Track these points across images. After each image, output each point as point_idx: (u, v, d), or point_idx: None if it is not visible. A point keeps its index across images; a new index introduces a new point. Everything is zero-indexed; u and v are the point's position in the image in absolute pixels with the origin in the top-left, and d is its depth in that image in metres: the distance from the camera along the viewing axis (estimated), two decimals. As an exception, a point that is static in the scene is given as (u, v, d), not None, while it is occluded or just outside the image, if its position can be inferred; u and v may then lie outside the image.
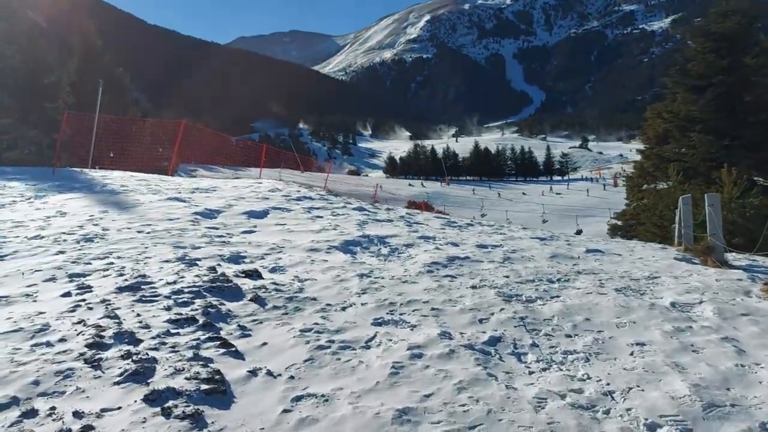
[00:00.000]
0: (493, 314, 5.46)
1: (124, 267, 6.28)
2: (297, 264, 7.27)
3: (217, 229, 8.86)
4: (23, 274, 5.96)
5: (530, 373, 4.24)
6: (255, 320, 5.08)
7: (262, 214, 10.25)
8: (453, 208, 51.39)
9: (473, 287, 6.44)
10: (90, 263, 6.43)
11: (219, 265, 6.75)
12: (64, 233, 7.81)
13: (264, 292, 5.82)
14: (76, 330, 4.46)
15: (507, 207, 64.64)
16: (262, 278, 6.39)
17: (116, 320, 4.69)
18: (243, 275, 6.36)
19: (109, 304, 5.07)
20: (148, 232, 8.08)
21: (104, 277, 5.94)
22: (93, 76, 30.67)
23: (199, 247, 7.53)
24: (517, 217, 48.93)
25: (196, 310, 5.09)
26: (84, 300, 5.17)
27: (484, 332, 4.95)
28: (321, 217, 10.68)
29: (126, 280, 5.82)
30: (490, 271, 7.39)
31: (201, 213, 9.68)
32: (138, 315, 4.85)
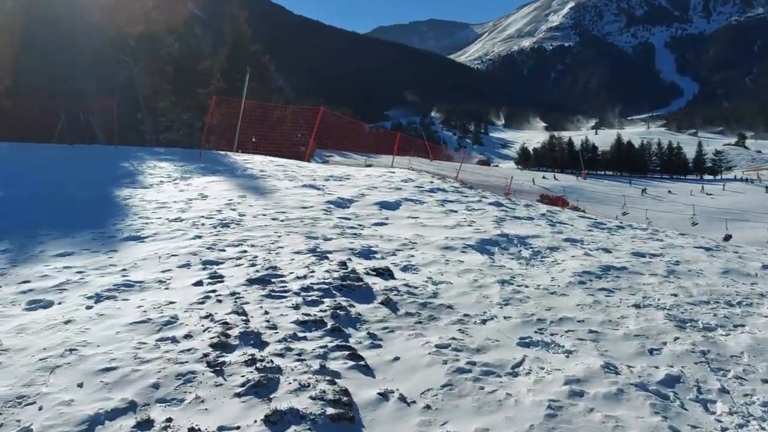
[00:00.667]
0: (665, 344, 4.57)
1: (256, 257, 6.09)
2: (430, 263, 6.74)
3: (349, 219, 8.57)
4: (160, 258, 5.95)
5: (723, 430, 3.38)
6: (386, 328, 4.60)
7: (395, 206, 9.85)
8: (590, 204, 48.49)
9: (636, 306, 5.54)
10: (224, 250, 6.33)
11: (349, 259, 6.38)
12: (202, 217, 7.87)
13: (396, 295, 5.34)
14: (202, 326, 4.24)
15: (650, 205, 60.03)
16: (394, 278, 5.92)
17: (243, 317, 4.41)
18: (374, 273, 5.93)
19: (239, 298, 4.84)
20: (282, 220, 7.94)
21: (236, 266, 5.77)
22: (242, 64, 32.15)
23: (330, 239, 7.23)
24: (662, 218, 45.13)
25: (325, 311, 4.71)
26: (214, 291, 4.99)
27: (657, 368, 4.11)
28: (455, 211, 10.08)
29: (257, 271, 5.60)
30: (654, 286, 6.39)
31: (334, 202, 9.46)
32: (266, 313, 4.55)
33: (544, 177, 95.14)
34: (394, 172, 13.01)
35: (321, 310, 4.73)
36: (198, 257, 5.98)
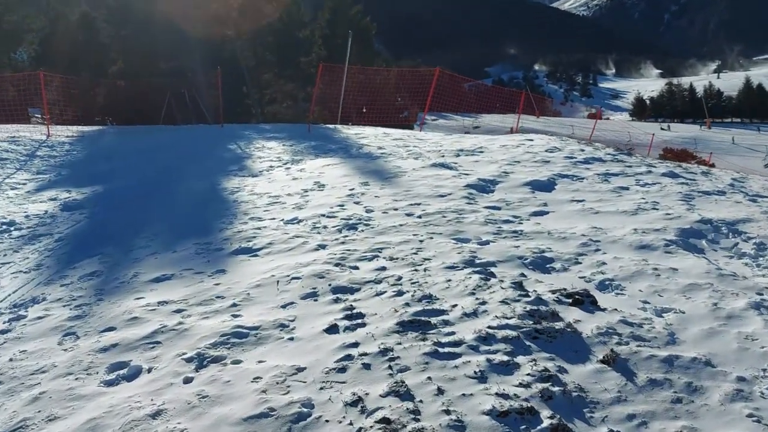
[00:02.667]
0: None
1: (400, 279, 4.54)
2: (634, 276, 4.90)
3: (499, 209, 6.82)
4: (278, 283, 4.54)
5: None
6: (633, 418, 2.89)
7: (549, 186, 7.96)
8: (718, 155, 43.26)
9: None
10: (357, 267, 4.83)
11: (524, 276, 4.68)
12: (323, 215, 6.42)
13: (619, 344, 3.60)
14: (350, 423, 2.73)
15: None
16: (599, 307, 4.16)
17: (410, 405, 2.86)
18: (569, 301, 4.19)
19: (393, 361, 3.29)
20: (419, 216, 6.33)
21: (377, 295, 4.24)
22: (343, 28, 30.84)
23: (486, 242, 5.55)
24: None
25: (528, 386, 3.06)
26: (356, 345, 3.48)
27: None
28: (626, 188, 8.04)
29: (407, 304, 4.04)
30: None
31: (474, 185, 7.73)
32: (440, 393, 2.97)
33: (662, 128, 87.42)
34: (532, 140, 11.04)
35: (522, 384, 3.08)
36: (326, 281, 4.51)
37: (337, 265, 4.88)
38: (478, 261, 4.97)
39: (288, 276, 4.65)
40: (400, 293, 4.24)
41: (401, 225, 6.02)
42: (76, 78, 23.54)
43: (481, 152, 10.05)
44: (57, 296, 4.71)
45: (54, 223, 7.16)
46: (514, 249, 5.34)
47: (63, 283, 5.04)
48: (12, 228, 6.89)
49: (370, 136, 12.98)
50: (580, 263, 5.18)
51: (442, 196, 7.20)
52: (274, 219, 6.45)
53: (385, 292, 4.29)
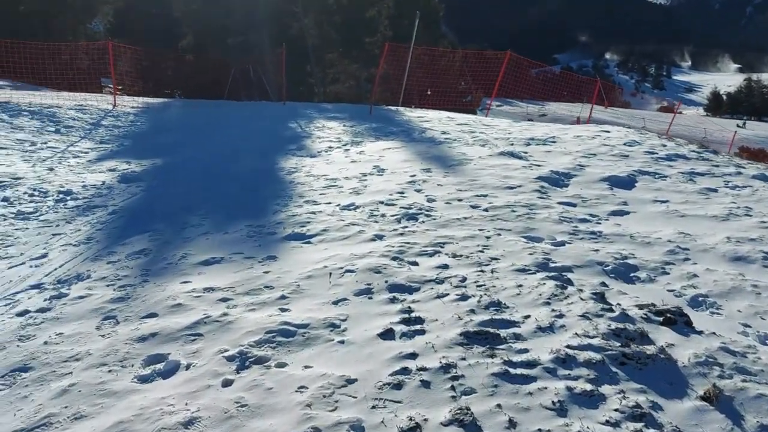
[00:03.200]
0: None
1: (464, 280, 4.10)
2: (730, 292, 4.30)
3: (574, 206, 6.25)
4: (330, 275, 4.18)
5: None
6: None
7: (628, 183, 7.30)
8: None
9: None
10: (416, 263, 4.42)
11: (605, 286, 4.16)
12: (381, 203, 6.03)
13: (722, 376, 3.06)
14: (406, 457, 2.34)
15: None
16: (694, 329, 3.60)
17: (475, 439, 2.44)
18: (659, 319, 3.66)
19: (456, 380, 2.87)
20: (485, 209, 5.85)
21: (439, 297, 3.83)
22: (410, 9, 30.22)
23: (561, 243, 5.02)
24: None
25: (617, 424, 2.59)
26: (413, 356, 3.08)
27: None
28: (714, 190, 7.28)
29: (472, 311, 3.61)
30: None
31: (547, 178, 7.16)
32: (512, 426, 2.54)
33: (738, 125, 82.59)
34: (609, 132, 10.28)
35: (609, 422, 2.61)
36: (382, 277, 4.12)
37: (394, 258, 4.48)
38: (552, 264, 4.46)
39: (341, 268, 4.28)
40: (464, 297, 3.81)
41: (466, 218, 5.56)
42: (147, 50, 23.95)
43: (554, 142, 9.41)
44: (102, 274, 4.50)
45: (110, 194, 7.05)
46: (593, 253, 4.81)
47: (110, 260, 4.84)
48: (68, 198, 6.80)
49: (433, 120, 12.47)
50: (668, 273, 4.60)
51: (511, 188, 6.68)
52: (329, 203, 6.10)
53: (448, 294, 3.87)
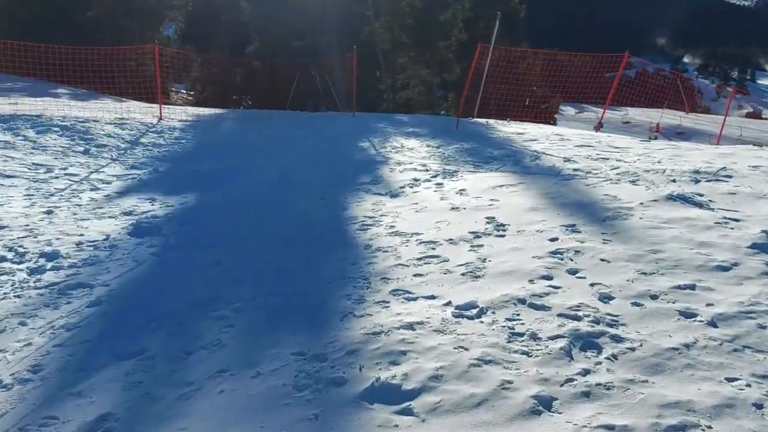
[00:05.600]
0: None
1: None
2: None
3: None
4: None
5: None
6: None
7: None
8: None
9: None
10: None
11: None
12: (522, 302, 3.54)
13: None
14: None
15: None
16: None
17: None
18: None
19: None
20: (711, 323, 3.26)
21: None
22: (487, 10, 27.77)
23: None
24: None
25: None
26: None
27: None
28: None
29: None
30: None
31: (763, 245, 4.47)
32: None
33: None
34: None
35: None
36: None
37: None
38: None
39: None
40: None
41: (686, 346, 3.00)
42: (215, 57, 22.58)
43: (729, 177, 6.64)
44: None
45: (108, 261, 4.88)
46: None
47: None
48: (48, 266, 4.68)
49: (539, 138, 9.87)
50: None
51: (723, 268, 4.02)
52: (433, 299, 3.68)
53: None
